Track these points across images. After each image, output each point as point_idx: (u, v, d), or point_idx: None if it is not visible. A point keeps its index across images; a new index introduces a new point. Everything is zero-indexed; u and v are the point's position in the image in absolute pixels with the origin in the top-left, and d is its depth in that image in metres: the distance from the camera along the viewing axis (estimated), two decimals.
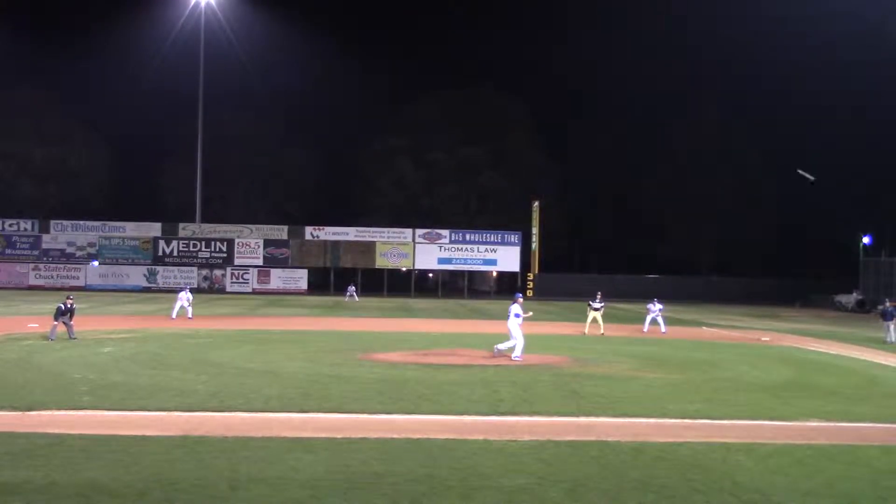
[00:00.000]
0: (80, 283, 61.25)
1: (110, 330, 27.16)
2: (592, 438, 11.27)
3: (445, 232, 66.23)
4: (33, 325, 27.27)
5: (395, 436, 11.11)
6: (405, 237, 65.66)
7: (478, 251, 66.12)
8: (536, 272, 66.23)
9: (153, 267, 63.56)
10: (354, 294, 56.58)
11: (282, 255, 64.73)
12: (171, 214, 66.91)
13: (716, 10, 72.43)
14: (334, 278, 65.11)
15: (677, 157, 73.05)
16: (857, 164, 68.61)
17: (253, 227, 65.48)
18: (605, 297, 31.67)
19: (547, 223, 66.54)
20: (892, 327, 29.41)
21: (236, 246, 64.19)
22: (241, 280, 64.11)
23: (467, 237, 66.50)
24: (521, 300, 21.13)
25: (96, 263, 63.33)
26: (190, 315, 33.00)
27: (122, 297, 52.67)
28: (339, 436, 11.00)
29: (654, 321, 31.70)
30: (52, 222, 63.78)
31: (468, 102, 72.19)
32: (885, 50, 60.50)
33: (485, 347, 22.84)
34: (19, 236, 63.29)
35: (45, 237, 63.26)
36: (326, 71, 73.22)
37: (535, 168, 72.26)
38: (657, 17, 78.88)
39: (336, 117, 74.07)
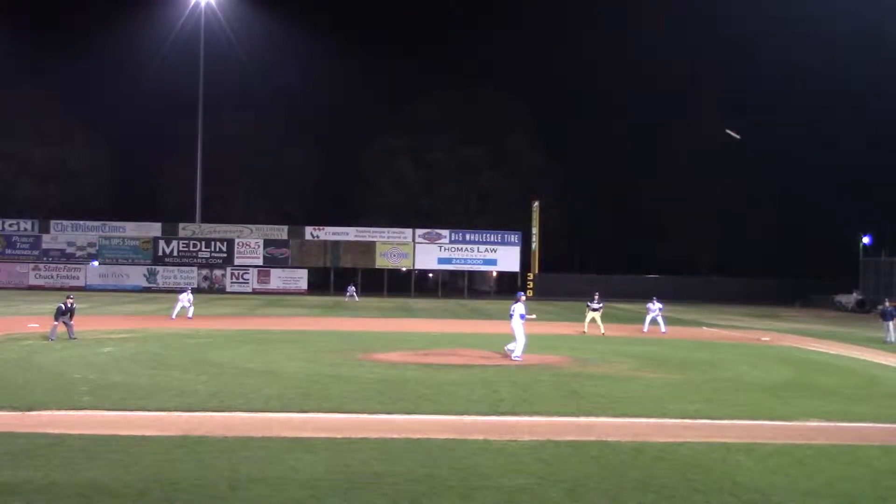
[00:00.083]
0: (80, 283, 61.21)
1: (110, 330, 27.16)
2: (592, 438, 11.26)
3: (445, 232, 66.19)
4: (33, 325, 27.27)
5: (395, 436, 11.11)
6: (405, 237, 65.63)
7: (478, 251, 66.08)
8: (536, 272, 66.17)
9: (153, 267, 63.55)
10: (354, 294, 56.59)
11: (282, 255, 64.70)
12: (171, 214, 66.91)
13: (716, 10, 72.53)
14: (334, 278, 65.06)
15: (677, 157, 73.02)
16: (857, 164, 68.62)
17: (253, 227, 65.45)
18: (605, 298, 31.67)
19: (547, 223, 66.49)
20: (891, 327, 29.41)
21: (236, 246, 64.17)
22: (241, 280, 64.10)
23: (467, 237, 66.46)
24: (523, 299, 21.11)
25: (96, 263, 63.31)
26: (190, 315, 33.03)
27: (122, 297, 52.68)
28: (339, 436, 10.99)
29: (654, 321, 31.68)
30: (52, 222, 63.76)
31: (468, 102, 72.16)
32: (885, 50, 60.48)
33: (485, 347, 22.86)
34: (19, 236, 63.28)
35: (45, 237, 63.24)
36: (326, 71, 73.33)
37: (535, 168, 72.23)
38: (657, 17, 79.02)
39: (336, 117, 74.13)
